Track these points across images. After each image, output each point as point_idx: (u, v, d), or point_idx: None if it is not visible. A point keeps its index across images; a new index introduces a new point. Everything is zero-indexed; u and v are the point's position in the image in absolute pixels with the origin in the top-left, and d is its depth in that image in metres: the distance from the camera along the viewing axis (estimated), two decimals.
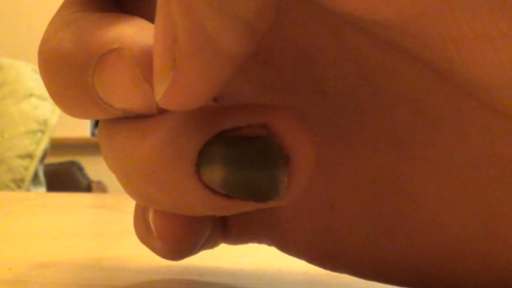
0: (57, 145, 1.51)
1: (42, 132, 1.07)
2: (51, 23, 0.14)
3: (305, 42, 0.13)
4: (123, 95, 0.13)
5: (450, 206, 0.13)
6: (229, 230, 0.17)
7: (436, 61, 0.11)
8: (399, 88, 0.13)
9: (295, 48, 0.14)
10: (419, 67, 0.12)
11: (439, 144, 0.13)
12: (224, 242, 0.17)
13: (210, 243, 0.16)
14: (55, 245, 0.26)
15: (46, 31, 0.14)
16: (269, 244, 0.16)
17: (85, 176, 1.76)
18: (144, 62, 0.12)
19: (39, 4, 2.23)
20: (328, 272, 0.16)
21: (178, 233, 0.14)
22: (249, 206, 0.12)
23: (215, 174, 0.12)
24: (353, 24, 0.12)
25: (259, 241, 0.17)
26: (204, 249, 0.16)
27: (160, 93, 0.11)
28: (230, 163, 0.12)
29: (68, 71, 0.13)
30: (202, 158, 0.12)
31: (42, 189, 1.09)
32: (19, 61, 1.14)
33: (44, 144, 1.07)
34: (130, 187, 0.14)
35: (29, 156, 1.05)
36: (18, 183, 1.03)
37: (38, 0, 2.27)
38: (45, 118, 1.08)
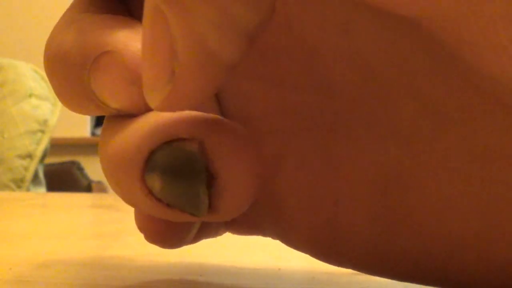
0: (57, 145, 1.51)
1: (42, 132, 1.07)
2: (58, 23, 0.14)
3: (313, 38, 0.13)
4: (114, 95, 0.13)
5: (453, 201, 0.13)
6: (232, 219, 0.17)
7: (450, 53, 0.11)
8: (405, 84, 0.13)
9: (302, 44, 0.14)
10: (426, 64, 0.12)
11: (443, 140, 0.13)
12: (228, 231, 0.17)
13: (212, 232, 0.16)
14: (55, 245, 0.26)
15: (52, 30, 0.14)
16: (273, 237, 0.16)
17: (85, 176, 1.76)
18: (133, 66, 0.13)
19: (39, 4, 2.23)
20: (327, 272, 0.16)
21: (158, 228, 0.15)
22: (186, 217, 0.13)
23: (155, 182, 0.12)
24: (360, 19, 0.12)
25: (263, 233, 0.17)
26: (206, 238, 0.17)
27: (156, 101, 0.11)
28: (165, 173, 0.12)
29: (68, 70, 0.14)
30: (147, 166, 0.12)
31: (42, 189, 1.09)
32: (19, 61, 1.14)
33: (44, 144, 1.07)
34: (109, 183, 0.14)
35: (29, 156, 1.05)
36: (18, 183, 1.03)
37: (38, 0, 2.27)
38: (45, 118, 1.08)
